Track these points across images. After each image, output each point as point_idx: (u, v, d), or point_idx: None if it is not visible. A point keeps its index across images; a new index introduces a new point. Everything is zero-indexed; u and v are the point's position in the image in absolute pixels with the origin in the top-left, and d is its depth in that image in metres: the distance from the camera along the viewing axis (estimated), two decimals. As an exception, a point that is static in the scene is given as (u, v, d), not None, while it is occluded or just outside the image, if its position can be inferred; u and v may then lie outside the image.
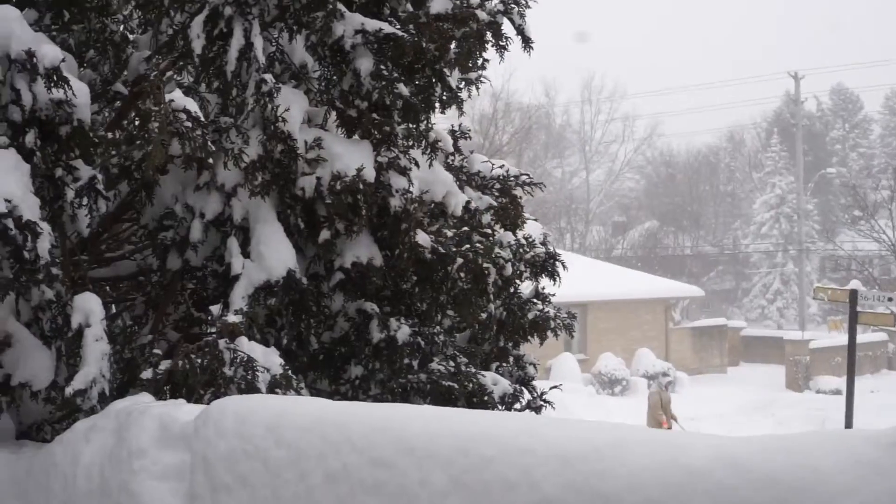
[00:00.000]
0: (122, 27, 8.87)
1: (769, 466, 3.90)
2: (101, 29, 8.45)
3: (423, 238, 8.11)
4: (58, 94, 6.86)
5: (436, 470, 4.72)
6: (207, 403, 6.79)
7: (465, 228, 8.90)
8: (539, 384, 10.51)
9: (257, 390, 6.88)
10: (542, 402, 10.06)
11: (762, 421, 32.80)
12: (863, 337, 41.75)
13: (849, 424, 20.40)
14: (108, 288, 8.98)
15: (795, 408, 35.23)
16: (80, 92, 7.00)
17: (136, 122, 7.20)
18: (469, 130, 10.44)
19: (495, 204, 9.58)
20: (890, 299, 23.57)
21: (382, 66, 7.62)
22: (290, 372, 7.21)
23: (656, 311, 48.16)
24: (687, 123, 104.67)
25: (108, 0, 8.16)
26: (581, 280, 34.46)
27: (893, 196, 46.32)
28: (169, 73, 7.49)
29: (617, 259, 67.36)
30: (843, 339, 41.99)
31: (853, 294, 20.47)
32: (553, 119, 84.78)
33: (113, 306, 8.98)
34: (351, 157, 7.67)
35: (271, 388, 6.99)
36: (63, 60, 6.92)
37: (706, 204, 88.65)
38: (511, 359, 10.07)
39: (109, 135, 7.33)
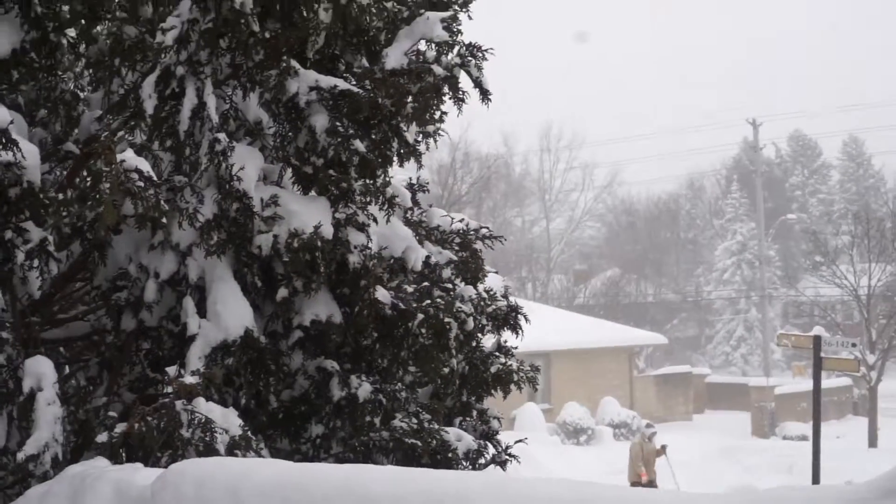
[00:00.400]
0: (72, 85, 8.79)
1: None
2: (51, 87, 8.38)
3: (382, 294, 8.03)
4: (7, 156, 6.77)
5: (401, 530, 4.63)
6: (165, 466, 6.66)
7: (426, 283, 8.83)
8: (504, 435, 10.42)
9: (216, 452, 6.76)
10: (507, 457, 9.95)
11: (729, 468, 32.76)
12: (827, 382, 41.89)
13: (816, 471, 20.39)
14: (61, 349, 8.84)
15: (762, 454, 35.21)
16: (30, 153, 6.92)
17: (88, 183, 7.10)
18: (427, 183, 10.40)
19: (455, 258, 9.51)
20: (854, 345, 23.67)
21: (338, 123, 7.57)
22: (249, 432, 7.09)
23: (620, 359, 48.20)
24: (647, 171, 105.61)
25: (58, 59, 8.09)
26: (544, 329, 34.39)
27: (854, 241, 46.62)
28: (120, 133, 7.41)
29: (579, 308, 67.39)
30: (808, 384, 42.05)
31: (817, 340, 20.53)
32: (512, 168, 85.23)
33: (66, 367, 8.85)
34: (308, 214, 7.59)
35: (230, 450, 6.87)
36: (12, 122, 6.83)
37: (668, 251, 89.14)
38: (475, 413, 9.97)
39: (60, 195, 7.23)
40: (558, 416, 41.22)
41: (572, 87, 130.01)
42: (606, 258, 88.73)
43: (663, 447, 27.11)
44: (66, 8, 7.85)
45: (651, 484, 25.68)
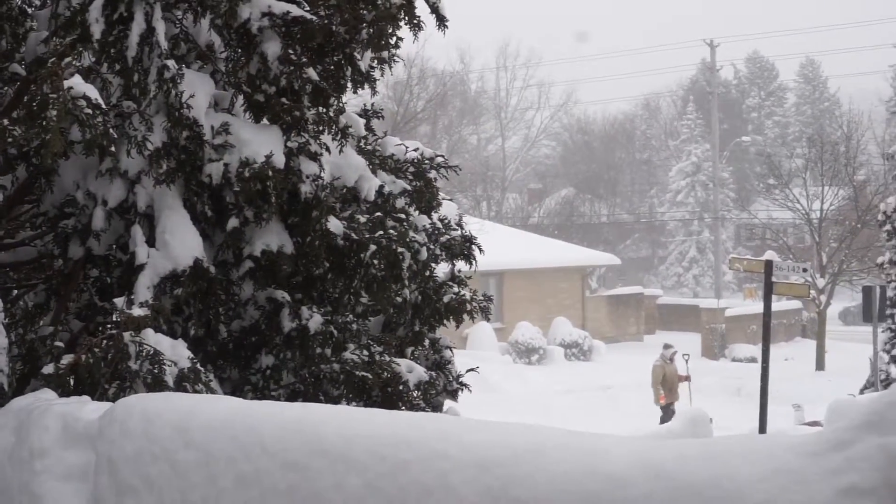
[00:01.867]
0: (19, 1, 8.56)
1: (689, 474, 3.83)
2: (-5, 3, 8.13)
3: (335, 224, 7.95)
4: (-50, 79, 6.60)
5: (350, 474, 4.60)
6: (112, 398, 6.61)
7: (379, 214, 8.74)
8: (457, 354, 10.44)
9: (165, 384, 6.70)
10: (458, 386, 9.96)
11: (679, 390, 33.12)
12: (777, 305, 42.42)
13: (764, 393, 20.63)
14: (9, 272, 8.72)
15: (712, 376, 35.66)
16: (-26, 76, 6.74)
17: (35, 107, 6.92)
18: (381, 110, 10.26)
19: (409, 187, 9.42)
20: (804, 269, 23.90)
21: (291, 50, 7.40)
22: (198, 364, 7.02)
23: (573, 279, 48.49)
24: (603, 91, 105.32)
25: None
26: (497, 248, 34.44)
27: (807, 165, 46.90)
28: (68, 59, 7.21)
29: (533, 227, 67.58)
30: (758, 306, 42.51)
31: (768, 265, 20.63)
32: (468, 86, 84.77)
33: (14, 291, 8.72)
34: (260, 142, 7.46)
35: (179, 382, 6.80)
36: (-46, 45, 6.64)
37: (622, 172, 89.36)
38: (427, 342, 9.94)
39: (5, 121, 7.05)
40: (510, 335, 41.48)
41: (530, 4, 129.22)
42: (561, 177, 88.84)
43: (687, 377, 26.82)
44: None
45: (669, 408, 25.39)
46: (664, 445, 4.10)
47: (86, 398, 6.33)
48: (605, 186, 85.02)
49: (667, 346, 27.32)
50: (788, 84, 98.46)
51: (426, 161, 9.86)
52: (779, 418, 23.20)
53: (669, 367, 26.01)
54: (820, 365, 40.20)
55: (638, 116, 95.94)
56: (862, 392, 26.97)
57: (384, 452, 4.54)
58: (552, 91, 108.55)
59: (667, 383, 25.69)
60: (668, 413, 25.13)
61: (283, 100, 7.62)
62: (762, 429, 19.95)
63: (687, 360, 26.61)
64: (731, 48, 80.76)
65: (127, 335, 6.82)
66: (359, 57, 7.88)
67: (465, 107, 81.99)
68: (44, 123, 6.72)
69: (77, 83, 6.97)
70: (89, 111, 6.88)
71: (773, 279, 20.52)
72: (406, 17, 8.18)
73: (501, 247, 38.55)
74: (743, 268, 24.36)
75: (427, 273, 9.38)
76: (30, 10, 8.54)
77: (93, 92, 7.01)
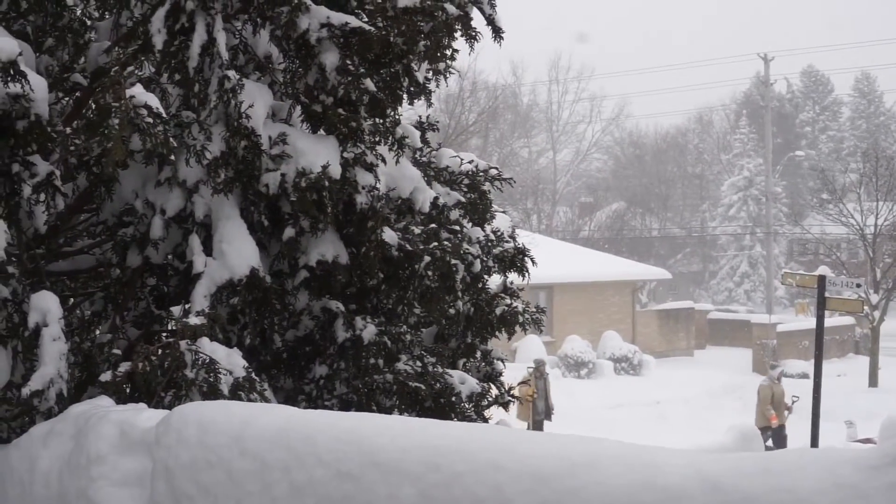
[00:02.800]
0: (80, 11, 8.66)
1: (747, 488, 3.81)
2: (57, 15, 8.24)
3: (389, 235, 7.97)
4: (15, 88, 6.69)
5: (404, 484, 4.61)
6: (168, 406, 6.66)
7: (433, 225, 8.77)
8: (507, 368, 10.44)
9: (220, 393, 6.74)
10: (509, 398, 9.96)
11: (730, 405, 32.93)
12: (830, 321, 42.00)
13: (816, 409, 20.44)
14: (66, 280, 8.81)
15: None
16: (38, 86, 6.83)
17: (95, 116, 7.00)
18: (437, 122, 10.29)
19: (463, 199, 9.44)
20: (858, 285, 23.66)
21: (348, 61, 7.45)
22: (252, 374, 7.06)
23: (623, 293, 48.24)
24: (655, 104, 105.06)
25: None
26: (547, 262, 34.36)
27: (862, 180, 46.45)
28: (129, 69, 7.30)
29: (584, 241, 67.41)
30: (810, 322, 42.26)
31: (821, 280, 20.43)
32: (520, 98, 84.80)
33: (71, 299, 8.81)
34: (316, 153, 7.50)
35: (234, 391, 6.85)
36: (20, 54, 6.72)
37: (674, 185, 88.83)
38: (479, 354, 9.96)
39: (68, 129, 7.14)
40: (560, 348, 41.34)
41: (583, 17, 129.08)
42: (612, 191, 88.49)
43: (794, 400, 25.22)
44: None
45: (781, 430, 24.46)
46: (721, 458, 4.09)
47: (142, 406, 6.39)
48: (656, 200, 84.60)
49: (773, 366, 26.30)
50: (843, 98, 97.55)
51: (480, 173, 9.88)
52: (831, 435, 22.95)
53: (777, 388, 24.69)
54: (873, 381, 39.73)
55: (690, 130, 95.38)
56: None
57: (438, 463, 4.55)
58: (604, 104, 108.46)
59: (775, 404, 24.42)
60: (779, 436, 24.24)
61: (340, 110, 7.67)
62: (814, 444, 19.77)
63: (794, 402, 25.11)
64: (785, 62, 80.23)
65: (183, 343, 6.87)
66: (416, 68, 7.92)
67: (517, 119, 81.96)
68: (105, 132, 6.81)
69: (139, 92, 7.05)
70: (150, 120, 6.95)
71: (826, 294, 20.32)
72: (462, 29, 8.22)
73: (552, 260, 38.45)
74: (796, 283, 24.09)
75: (480, 285, 9.38)
76: (89, 23, 8.65)
77: (154, 101, 7.08)
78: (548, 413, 25.67)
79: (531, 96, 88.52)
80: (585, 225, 76.18)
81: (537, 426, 24.77)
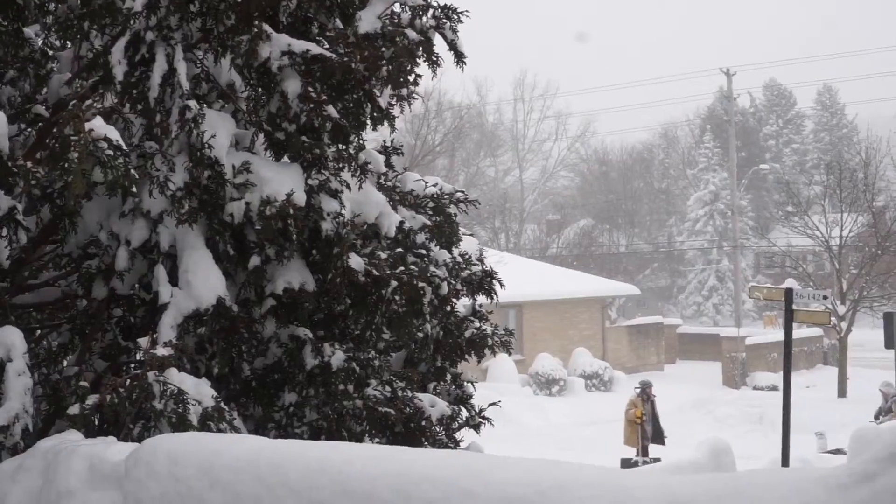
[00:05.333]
0: (41, 41, 8.63)
1: (717, 511, 3.82)
2: (19, 46, 8.21)
3: (356, 261, 7.96)
4: (-26, 122, 6.66)
5: (376, 513, 4.60)
6: (137, 438, 6.63)
7: (400, 249, 8.77)
8: (476, 386, 10.42)
9: (189, 423, 6.71)
10: (480, 420, 9.95)
11: (701, 419, 33.03)
12: (798, 332, 42.26)
13: (786, 421, 20.51)
14: (32, 312, 8.75)
15: (733, 405, 35.49)
16: (-1, 121, 6.80)
17: (57, 149, 6.97)
18: (401, 146, 10.30)
19: (429, 223, 9.44)
20: (825, 297, 23.75)
21: (311, 88, 7.45)
22: (221, 403, 7.03)
23: (592, 310, 48.32)
24: (620, 121, 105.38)
25: (26, 20, 7.95)
26: (516, 280, 34.41)
27: (826, 192, 46.80)
28: (89, 102, 7.27)
29: (552, 258, 67.48)
30: (778, 334, 42.51)
31: (788, 293, 20.50)
32: (485, 117, 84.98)
33: (38, 331, 8.75)
34: (280, 180, 7.49)
35: (203, 421, 6.81)
36: (-20, 88, 6.71)
37: (640, 201, 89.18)
38: (448, 377, 9.95)
39: (29, 163, 7.10)
40: (531, 367, 41.39)
41: (545, 36, 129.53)
42: (579, 208, 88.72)
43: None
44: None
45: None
46: (691, 481, 4.09)
47: (111, 439, 6.35)
48: (623, 216, 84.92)
49: (887, 384, 26.03)
50: (806, 111, 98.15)
51: (445, 196, 9.89)
52: (801, 446, 23.06)
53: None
54: (842, 392, 40.00)
55: (656, 146, 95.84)
56: (876, 418, 26.78)
57: (409, 491, 4.54)
58: (569, 122, 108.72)
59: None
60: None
61: (304, 137, 7.67)
62: (785, 457, 19.84)
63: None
64: (747, 76, 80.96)
65: (151, 374, 6.83)
66: (378, 94, 7.93)
67: (483, 139, 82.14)
68: (66, 165, 6.78)
69: (98, 125, 7.01)
70: (110, 152, 6.92)
71: (794, 307, 20.38)
72: (425, 55, 8.23)
73: (520, 278, 38.50)
74: (763, 296, 24.17)
75: (448, 308, 9.38)
76: (50, 52, 8.62)
77: (114, 133, 7.05)
78: (658, 437, 24.70)
79: (496, 115, 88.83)
80: (553, 242, 76.27)
81: (643, 451, 24.10)
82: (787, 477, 3.89)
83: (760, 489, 3.83)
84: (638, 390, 25.54)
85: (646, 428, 24.56)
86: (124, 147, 7.09)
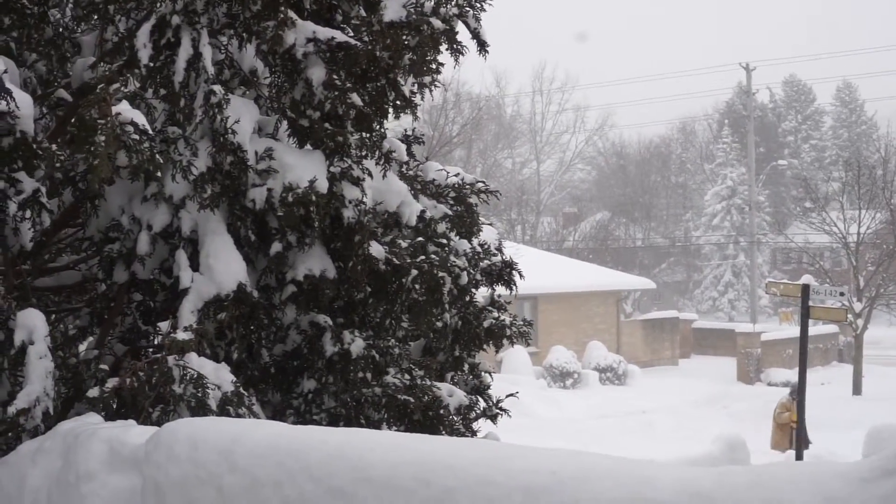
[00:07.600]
0: (62, 28, 8.65)
1: (738, 502, 3.81)
2: (41, 29, 8.21)
3: (377, 249, 7.96)
4: (0, 105, 6.66)
5: (396, 500, 4.60)
6: (156, 422, 6.65)
7: (420, 238, 8.77)
8: (493, 380, 10.43)
9: (208, 408, 6.72)
10: (497, 411, 9.95)
11: (715, 414, 32.92)
12: (814, 329, 42.13)
13: (801, 418, 20.52)
14: (51, 295, 8.77)
15: (747, 401, 35.36)
16: (24, 103, 6.80)
17: (81, 133, 6.98)
18: (423, 135, 10.30)
19: (450, 213, 9.43)
20: (841, 294, 23.70)
21: (335, 75, 7.45)
22: (240, 388, 7.05)
23: (607, 303, 48.26)
24: (639, 115, 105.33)
25: (50, 4, 7.97)
26: (532, 272, 34.30)
27: (844, 188, 46.57)
28: (116, 86, 7.27)
29: (568, 251, 67.37)
30: (794, 330, 42.35)
31: (805, 289, 20.47)
32: (503, 109, 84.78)
33: (56, 314, 8.78)
34: (303, 167, 7.49)
35: (222, 406, 6.83)
36: (5, 71, 6.72)
37: (657, 195, 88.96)
38: (466, 367, 9.95)
39: (53, 145, 7.11)
40: (545, 359, 41.36)
41: (566, 28, 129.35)
42: (596, 201, 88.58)
43: None
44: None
45: None
46: (710, 473, 4.08)
47: (131, 422, 6.37)
48: (640, 210, 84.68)
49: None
50: (825, 107, 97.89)
51: (466, 186, 9.88)
52: (815, 444, 23.02)
53: None
54: (857, 390, 39.82)
55: (673, 140, 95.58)
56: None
57: (430, 479, 4.53)
58: (587, 115, 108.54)
59: None
60: None
61: (327, 125, 7.67)
62: (799, 453, 19.84)
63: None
64: (767, 72, 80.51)
65: (171, 359, 6.85)
66: (402, 82, 7.92)
67: (501, 131, 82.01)
68: (91, 149, 6.78)
69: (124, 109, 7.03)
70: (136, 137, 6.94)
71: (810, 303, 20.36)
72: (448, 43, 8.22)
73: (536, 271, 38.42)
74: (779, 292, 24.11)
75: (467, 298, 9.38)
76: (76, 35, 8.63)
77: (140, 118, 7.06)
78: (804, 442, 22.96)
79: (515, 107, 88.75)
80: (569, 235, 76.13)
81: (798, 455, 23.06)
82: (807, 471, 3.88)
83: (782, 482, 3.81)
84: (791, 393, 24.70)
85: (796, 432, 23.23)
86: (150, 131, 7.10)
